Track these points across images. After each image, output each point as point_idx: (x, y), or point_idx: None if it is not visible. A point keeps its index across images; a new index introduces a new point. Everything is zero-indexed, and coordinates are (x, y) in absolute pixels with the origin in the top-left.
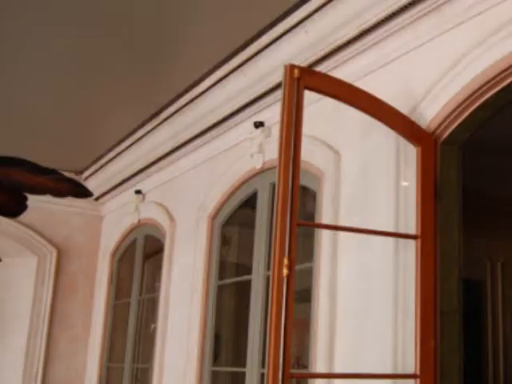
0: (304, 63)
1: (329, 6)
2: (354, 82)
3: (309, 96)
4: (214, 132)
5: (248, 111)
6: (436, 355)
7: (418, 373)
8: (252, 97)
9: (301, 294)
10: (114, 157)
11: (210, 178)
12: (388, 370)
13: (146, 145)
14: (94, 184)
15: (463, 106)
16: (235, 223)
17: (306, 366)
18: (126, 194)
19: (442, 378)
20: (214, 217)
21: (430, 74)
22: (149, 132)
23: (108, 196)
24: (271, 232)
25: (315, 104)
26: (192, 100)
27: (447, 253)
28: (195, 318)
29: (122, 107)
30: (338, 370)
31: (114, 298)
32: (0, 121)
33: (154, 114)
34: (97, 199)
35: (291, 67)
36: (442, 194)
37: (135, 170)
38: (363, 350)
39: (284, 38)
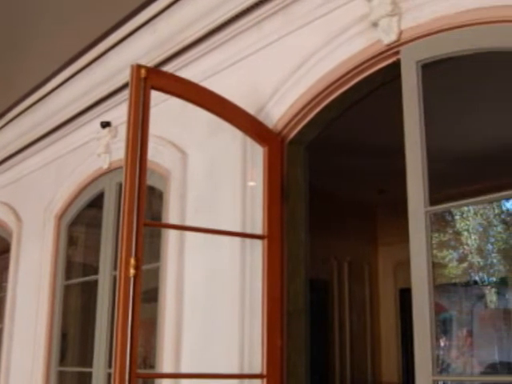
0: (152, 63)
1: (176, 5)
2: (202, 81)
3: (156, 96)
4: (61, 132)
5: (95, 111)
6: (283, 355)
7: (265, 373)
8: (99, 96)
9: (148, 294)
10: None
11: (57, 177)
12: (235, 370)
13: None
14: None
15: (310, 106)
16: (82, 223)
17: (152, 366)
18: None
19: (289, 378)
20: (60, 217)
21: (277, 74)
22: None
23: None
24: (118, 232)
25: (162, 104)
26: (39, 100)
27: (294, 253)
28: (42, 318)
29: None
30: (184, 370)
31: None
32: None
33: (1, 115)
34: None
35: (138, 67)
36: (288, 194)
37: None
38: (210, 350)
39: (131, 37)
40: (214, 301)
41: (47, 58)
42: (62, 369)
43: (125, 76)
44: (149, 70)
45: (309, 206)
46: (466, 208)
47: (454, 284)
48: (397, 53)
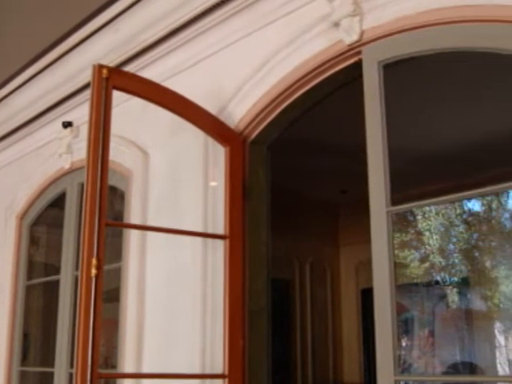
0: (114, 62)
1: (138, 5)
2: (164, 81)
3: (118, 96)
4: (22, 132)
5: (57, 111)
6: (244, 355)
7: (227, 373)
8: (61, 96)
9: (109, 294)
10: None
11: (19, 177)
12: (196, 370)
13: None
14: None
15: (272, 105)
16: (44, 223)
17: (114, 366)
18: None
19: (251, 378)
20: (22, 217)
21: (240, 74)
22: None
23: None
24: (80, 232)
25: (124, 104)
26: (1, 99)
27: (256, 252)
28: (3, 318)
29: None
30: (146, 369)
31: None
32: None
33: None
34: None
35: (99, 67)
36: (250, 193)
37: None
38: (172, 349)
39: (93, 37)
40: (176, 300)
41: (8, 57)
42: (23, 369)
43: (87, 76)
44: (110, 69)
45: (271, 206)
46: (427, 208)
47: (416, 284)
48: (358, 53)
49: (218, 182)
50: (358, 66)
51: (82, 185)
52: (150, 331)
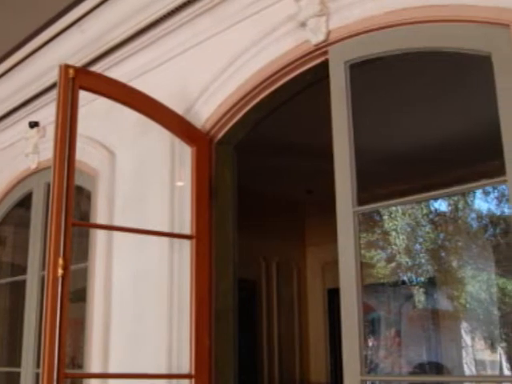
0: (80, 62)
1: (104, 5)
2: (130, 81)
3: (84, 96)
4: None
5: (23, 111)
6: (211, 355)
7: (193, 373)
8: (27, 96)
9: (76, 294)
10: None
11: None
12: (163, 370)
13: None
14: None
15: (238, 105)
16: (10, 223)
17: (81, 366)
18: None
19: (217, 378)
20: None
21: (206, 74)
22: None
23: None
24: (46, 232)
25: (91, 104)
26: None
27: (222, 252)
28: None
29: None
30: (113, 369)
31: None
32: None
33: None
34: None
35: (66, 67)
36: (217, 194)
37: None
38: (138, 349)
39: (60, 37)
40: (143, 301)
41: None
42: None
43: (53, 76)
44: (77, 69)
45: (237, 206)
46: (394, 208)
47: (383, 284)
48: (325, 53)
49: (185, 182)
50: (324, 66)
51: (49, 185)
52: (117, 331)
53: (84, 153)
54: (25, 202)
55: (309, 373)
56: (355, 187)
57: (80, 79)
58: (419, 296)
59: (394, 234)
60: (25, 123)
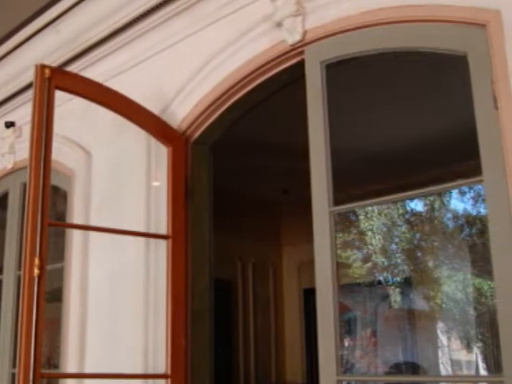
0: (56, 62)
1: (80, 5)
2: (106, 81)
3: (60, 96)
4: None
5: None
6: (187, 355)
7: (169, 373)
8: (3, 96)
9: (52, 294)
10: None
11: None
12: (139, 370)
13: None
14: None
15: (214, 105)
16: None
17: (57, 366)
18: None
19: (193, 378)
20: None
21: (182, 74)
22: None
23: None
24: (22, 232)
25: (67, 104)
26: None
27: (198, 253)
28: None
29: None
30: (89, 369)
31: None
32: None
33: None
34: None
35: (42, 67)
36: (193, 194)
37: None
38: (114, 349)
39: (36, 37)
40: (119, 301)
41: None
42: None
43: (29, 76)
44: (53, 69)
45: (213, 206)
46: (370, 208)
47: (359, 284)
48: (301, 53)
49: (161, 182)
50: (300, 65)
51: (25, 185)
52: (93, 331)
53: (60, 153)
54: (1, 202)
55: (285, 373)
56: (331, 187)
57: (56, 79)
58: (395, 296)
59: (370, 234)
60: (0, 123)
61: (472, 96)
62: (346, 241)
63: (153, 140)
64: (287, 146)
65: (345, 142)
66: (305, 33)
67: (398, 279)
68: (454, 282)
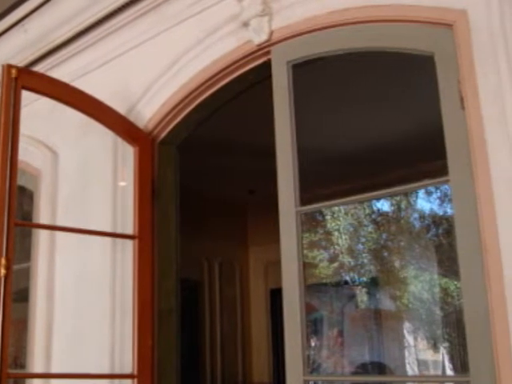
0: (23, 62)
1: (48, 5)
2: (73, 81)
3: (27, 95)
4: None
5: None
6: (154, 355)
7: (136, 373)
8: None
9: (19, 294)
10: None
11: None
12: (106, 370)
13: None
14: None
15: (181, 105)
16: None
17: (23, 366)
18: None
19: (160, 378)
20: None
21: (149, 74)
22: None
23: None
24: None
25: (33, 104)
26: None
27: (165, 253)
28: None
29: None
30: (55, 369)
31: None
32: None
33: None
34: None
35: (8, 67)
36: (159, 194)
37: None
38: (81, 349)
39: (2, 37)
40: (85, 301)
41: None
42: None
43: None
44: (20, 69)
45: (180, 206)
46: (336, 208)
47: (325, 284)
48: (268, 53)
49: (127, 182)
50: (267, 65)
51: None
52: (60, 331)
53: (26, 153)
54: None
55: (251, 373)
56: (298, 187)
57: (23, 79)
58: (362, 296)
59: (336, 234)
60: None
61: (439, 96)
62: (312, 241)
63: (119, 140)
64: (254, 146)
65: (311, 142)
66: (271, 33)
67: (365, 279)
68: (421, 282)
